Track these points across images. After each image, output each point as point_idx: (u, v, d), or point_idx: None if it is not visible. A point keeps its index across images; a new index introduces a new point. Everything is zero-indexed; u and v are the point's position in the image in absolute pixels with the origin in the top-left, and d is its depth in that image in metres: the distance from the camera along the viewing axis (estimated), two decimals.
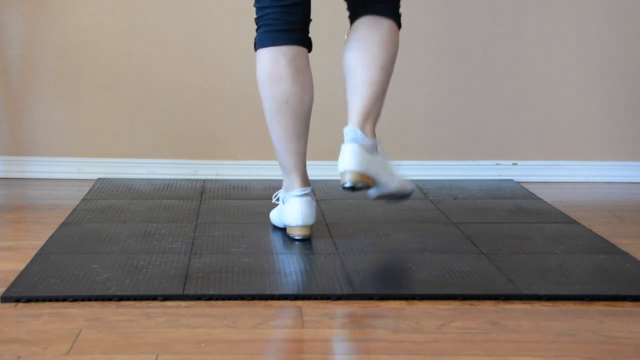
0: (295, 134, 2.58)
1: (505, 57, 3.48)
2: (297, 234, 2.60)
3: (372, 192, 2.57)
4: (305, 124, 2.59)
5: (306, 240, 2.60)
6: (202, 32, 3.43)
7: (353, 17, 2.65)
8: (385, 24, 2.60)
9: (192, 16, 3.42)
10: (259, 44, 2.60)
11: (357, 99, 2.53)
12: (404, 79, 3.47)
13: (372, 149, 2.52)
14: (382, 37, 2.58)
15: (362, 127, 2.52)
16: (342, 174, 2.49)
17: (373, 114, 2.56)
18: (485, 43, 3.48)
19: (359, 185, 2.49)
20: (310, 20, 2.61)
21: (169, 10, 3.41)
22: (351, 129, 2.51)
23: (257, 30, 2.61)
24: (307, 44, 2.61)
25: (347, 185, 2.49)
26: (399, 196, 2.64)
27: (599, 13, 3.48)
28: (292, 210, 2.59)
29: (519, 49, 3.48)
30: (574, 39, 3.49)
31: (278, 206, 2.72)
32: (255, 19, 2.61)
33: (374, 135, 2.55)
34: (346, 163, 2.47)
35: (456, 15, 3.46)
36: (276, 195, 2.76)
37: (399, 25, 2.64)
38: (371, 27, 2.59)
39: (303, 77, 2.56)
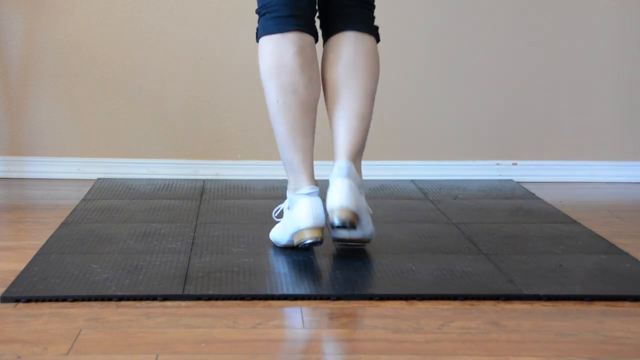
0: (303, 128, 2.40)
1: (505, 57, 3.48)
2: (308, 237, 2.36)
3: (353, 233, 2.42)
4: (313, 118, 2.42)
5: (317, 244, 2.39)
6: (202, 32, 3.43)
7: (329, 32, 2.51)
8: (367, 42, 2.48)
9: (192, 16, 3.42)
10: (262, 31, 2.44)
11: (349, 133, 2.43)
12: (404, 79, 3.47)
13: (361, 187, 2.43)
14: (368, 62, 2.46)
15: (354, 162, 2.43)
16: (333, 211, 2.35)
17: (362, 150, 2.47)
18: (485, 43, 3.47)
19: (348, 224, 2.36)
20: (316, 11, 2.50)
21: (169, 10, 3.41)
22: (344, 163, 2.39)
23: (259, 19, 2.46)
24: (314, 33, 2.46)
25: (337, 223, 2.35)
26: (361, 242, 2.47)
27: (599, 13, 3.48)
28: (301, 211, 2.37)
29: (519, 49, 3.48)
30: (574, 39, 3.49)
31: (281, 221, 2.50)
32: (257, 9, 2.47)
33: (360, 173, 2.47)
34: (342, 200, 2.35)
35: (456, 14, 3.46)
36: (277, 210, 2.56)
37: (378, 39, 2.52)
38: (357, 48, 2.46)
39: (311, 69, 2.41)
